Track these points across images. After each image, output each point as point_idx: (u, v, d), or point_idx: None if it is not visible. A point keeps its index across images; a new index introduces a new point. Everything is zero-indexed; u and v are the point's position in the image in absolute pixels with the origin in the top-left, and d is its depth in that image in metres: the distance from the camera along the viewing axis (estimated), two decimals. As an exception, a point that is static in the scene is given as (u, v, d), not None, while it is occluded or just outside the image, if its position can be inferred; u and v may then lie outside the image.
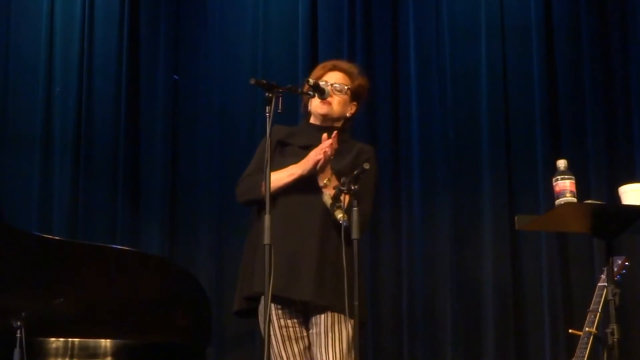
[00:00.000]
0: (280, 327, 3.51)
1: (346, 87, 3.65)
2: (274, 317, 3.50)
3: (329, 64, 3.74)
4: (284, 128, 3.70)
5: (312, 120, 3.68)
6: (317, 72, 3.71)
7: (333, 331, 3.45)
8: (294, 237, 3.44)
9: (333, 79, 3.66)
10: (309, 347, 3.52)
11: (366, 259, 5.26)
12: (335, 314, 3.46)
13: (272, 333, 3.51)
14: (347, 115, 3.70)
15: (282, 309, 3.51)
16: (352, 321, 3.43)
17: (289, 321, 3.51)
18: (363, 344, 5.07)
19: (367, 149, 3.69)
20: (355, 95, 3.70)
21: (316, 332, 3.48)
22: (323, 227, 3.42)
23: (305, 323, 3.52)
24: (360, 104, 3.76)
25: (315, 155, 3.47)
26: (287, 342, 3.51)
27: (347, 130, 3.74)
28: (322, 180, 3.43)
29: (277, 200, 3.52)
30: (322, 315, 3.45)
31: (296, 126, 3.73)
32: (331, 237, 3.43)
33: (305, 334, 3.52)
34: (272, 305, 3.47)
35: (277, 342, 3.51)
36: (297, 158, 3.56)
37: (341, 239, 3.32)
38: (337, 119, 3.67)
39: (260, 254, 3.42)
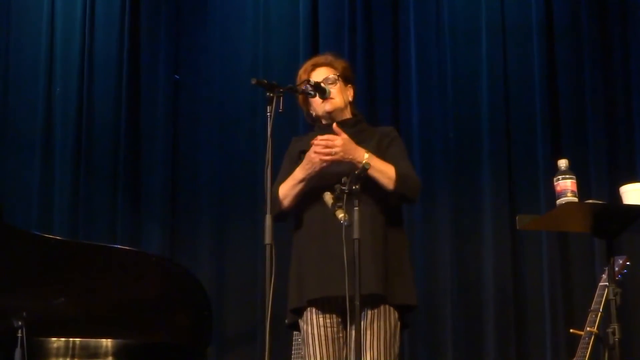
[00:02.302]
0: (318, 327, 3.50)
1: (336, 76, 3.66)
2: (313, 317, 3.50)
3: (308, 65, 3.72)
4: (302, 137, 3.72)
5: (323, 122, 3.68)
6: (301, 77, 3.69)
7: (372, 328, 3.45)
8: (329, 239, 3.39)
9: (320, 76, 3.65)
10: (344, 347, 3.51)
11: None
12: (375, 310, 3.45)
13: (309, 332, 3.51)
14: (350, 99, 3.71)
15: (322, 308, 3.51)
16: (396, 314, 3.46)
17: (327, 321, 3.50)
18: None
19: (387, 131, 3.68)
20: (345, 78, 3.70)
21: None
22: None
23: (344, 322, 3.49)
24: (354, 84, 3.76)
25: (312, 154, 3.47)
26: (322, 342, 3.50)
27: (358, 115, 3.72)
28: (360, 164, 3.38)
29: (301, 211, 3.56)
30: (362, 312, 3.40)
31: (312, 132, 3.72)
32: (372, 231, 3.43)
33: (341, 334, 3.52)
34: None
35: (312, 341, 3.50)
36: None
37: (381, 230, 3.42)
38: (344, 108, 3.66)
39: (306, 264, 3.49)
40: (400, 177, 3.47)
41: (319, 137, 3.46)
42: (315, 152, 3.46)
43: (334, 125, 3.49)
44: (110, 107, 5.91)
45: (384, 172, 3.46)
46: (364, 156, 3.43)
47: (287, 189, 3.52)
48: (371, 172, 3.41)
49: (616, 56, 5.54)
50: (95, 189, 5.83)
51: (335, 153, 3.43)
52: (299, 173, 3.51)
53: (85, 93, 5.90)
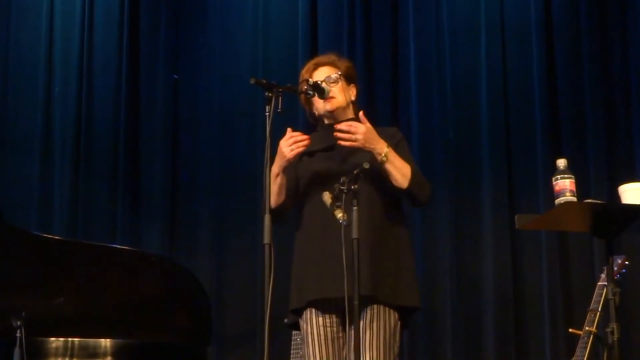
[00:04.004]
0: (318, 327, 3.50)
1: (338, 75, 3.65)
2: (313, 316, 3.50)
3: (310, 65, 3.71)
4: None
5: (326, 122, 3.67)
6: (303, 76, 3.68)
7: (371, 328, 3.44)
8: (329, 239, 3.39)
9: (322, 75, 3.64)
10: (343, 347, 3.51)
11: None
12: (374, 311, 3.44)
13: (309, 332, 3.50)
14: (353, 98, 3.70)
15: (322, 308, 3.50)
16: (396, 315, 3.46)
17: (327, 321, 3.49)
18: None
19: (392, 132, 3.65)
20: (348, 77, 3.69)
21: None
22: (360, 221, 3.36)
23: (344, 322, 3.48)
24: (357, 84, 3.75)
25: (282, 144, 3.45)
26: (322, 342, 3.49)
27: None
28: (379, 157, 3.41)
29: (301, 212, 3.55)
30: (361, 312, 3.38)
31: (315, 132, 3.71)
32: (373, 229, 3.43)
33: (341, 334, 3.51)
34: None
35: (312, 341, 3.50)
36: (326, 162, 3.55)
37: (380, 230, 3.42)
38: (347, 107, 3.66)
39: (306, 265, 3.49)
40: (415, 177, 3.48)
41: (343, 122, 3.44)
42: (337, 136, 3.44)
43: (361, 113, 3.47)
44: (109, 106, 5.91)
45: (401, 169, 3.46)
46: (384, 149, 3.43)
47: (272, 188, 3.49)
48: (388, 166, 3.42)
49: (615, 55, 5.53)
50: (94, 188, 5.83)
51: (356, 140, 3.42)
52: (274, 168, 3.49)
53: (85, 93, 5.90)
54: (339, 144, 3.50)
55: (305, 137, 3.46)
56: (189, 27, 6.06)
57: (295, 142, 3.44)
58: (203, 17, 6.05)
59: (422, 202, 3.63)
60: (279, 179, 3.50)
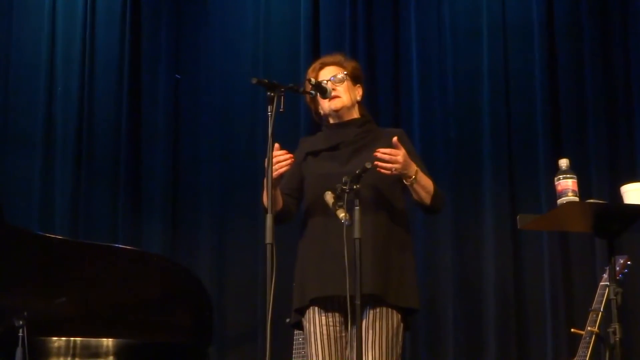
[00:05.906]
0: (321, 326, 3.50)
1: (344, 74, 3.64)
2: (316, 315, 3.50)
3: (317, 64, 3.71)
4: (308, 138, 3.71)
5: (331, 121, 3.67)
6: (309, 75, 3.66)
7: (374, 327, 3.44)
8: (331, 239, 3.39)
9: (328, 74, 3.64)
10: (346, 347, 3.50)
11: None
12: (377, 310, 3.44)
13: (311, 331, 3.50)
14: (358, 98, 3.69)
15: (324, 307, 3.50)
16: (399, 315, 3.46)
17: (330, 320, 3.49)
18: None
19: (397, 134, 3.59)
20: (354, 77, 3.69)
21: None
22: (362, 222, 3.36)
23: (346, 321, 3.47)
24: (363, 84, 3.75)
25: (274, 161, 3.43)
26: (325, 341, 3.49)
27: (366, 115, 3.70)
28: (409, 180, 3.43)
29: (305, 213, 3.56)
30: (364, 311, 3.39)
31: (320, 132, 3.71)
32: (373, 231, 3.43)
33: (344, 333, 3.51)
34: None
35: (315, 340, 3.50)
36: (331, 161, 3.55)
37: (382, 230, 3.42)
38: (352, 107, 3.65)
39: (309, 264, 3.49)
40: (436, 192, 3.52)
41: (381, 150, 3.41)
42: (377, 164, 3.40)
43: (395, 139, 3.43)
44: (111, 106, 5.91)
45: (426, 187, 3.50)
46: (414, 171, 3.45)
47: (264, 197, 3.45)
48: (416, 187, 3.45)
49: (617, 55, 5.53)
50: (96, 188, 5.83)
51: (397, 169, 3.40)
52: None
53: (87, 92, 5.91)
54: (343, 146, 3.50)
55: (289, 156, 3.43)
56: (190, 27, 6.06)
57: (278, 162, 3.41)
58: (204, 17, 6.05)
59: (437, 213, 3.68)
60: (271, 190, 3.48)
